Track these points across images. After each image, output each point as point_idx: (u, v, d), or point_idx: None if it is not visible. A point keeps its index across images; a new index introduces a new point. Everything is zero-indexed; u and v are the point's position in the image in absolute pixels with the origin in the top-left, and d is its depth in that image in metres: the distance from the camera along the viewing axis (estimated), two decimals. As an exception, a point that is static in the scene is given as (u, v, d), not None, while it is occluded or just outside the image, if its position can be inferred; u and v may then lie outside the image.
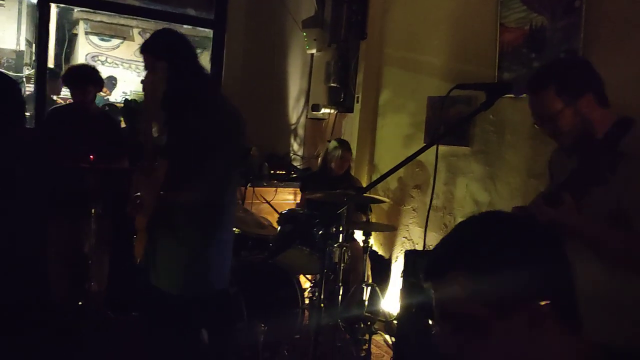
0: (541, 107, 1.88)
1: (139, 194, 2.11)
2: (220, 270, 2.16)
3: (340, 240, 3.44)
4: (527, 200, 3.54)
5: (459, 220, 3.85)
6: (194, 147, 2.11)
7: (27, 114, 3.87)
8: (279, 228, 3.90)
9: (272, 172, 4.95)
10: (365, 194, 3.89)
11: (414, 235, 4.33)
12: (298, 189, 4.57)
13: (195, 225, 2.10)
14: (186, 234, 2.11)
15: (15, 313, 3.64)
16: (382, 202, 3.98)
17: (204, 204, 2.07)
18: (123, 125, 4.74)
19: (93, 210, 3.79)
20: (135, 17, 5.94)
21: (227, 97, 2.28)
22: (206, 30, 5.59)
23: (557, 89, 1.81)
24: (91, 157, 3.77)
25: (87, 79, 3.87)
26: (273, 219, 4.36)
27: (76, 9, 5.99)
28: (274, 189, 4.82)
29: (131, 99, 5.11)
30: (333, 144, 4.37)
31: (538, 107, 1.90)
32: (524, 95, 2.75)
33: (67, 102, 6.04)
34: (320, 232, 3.44)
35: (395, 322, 3.82)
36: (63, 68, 6.05)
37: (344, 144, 4.32)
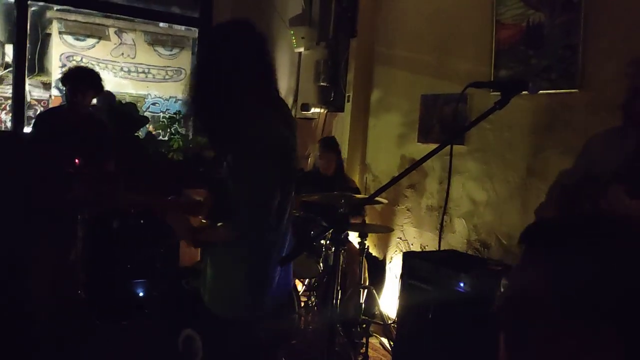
0: None
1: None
2: (260, 299, 1.87)
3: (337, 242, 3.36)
4: (527, 199, 3.53)
5: (455, 220, 3.84)
6: (227, 178, 1.83)
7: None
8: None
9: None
10: (360, 195, 3.82)
11: (408, 236, 4.27)
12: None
13: (228, 250, 1.87)
14: (220, 257, 1.91)
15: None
16: (380, 203, 3.91)
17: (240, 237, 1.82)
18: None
19: (79, 216, 3.67)
20: (114, 15, 5.77)
21: (278, 111, 1.89)
22: (183, 29, 5.46)
23: None
24: (76, 161, 3.64)
25: (91, 82, 3.78)
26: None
27: (55, 7, 5.79)
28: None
29: (117, 101, 4.95)
30: (318, 144, 4.35)
31: None
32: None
33: (42, 103, 5.86)
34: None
35: (394, 325, 3.76)
36: (36, 69, 5.87)
37: (323, 142, 4.29)
